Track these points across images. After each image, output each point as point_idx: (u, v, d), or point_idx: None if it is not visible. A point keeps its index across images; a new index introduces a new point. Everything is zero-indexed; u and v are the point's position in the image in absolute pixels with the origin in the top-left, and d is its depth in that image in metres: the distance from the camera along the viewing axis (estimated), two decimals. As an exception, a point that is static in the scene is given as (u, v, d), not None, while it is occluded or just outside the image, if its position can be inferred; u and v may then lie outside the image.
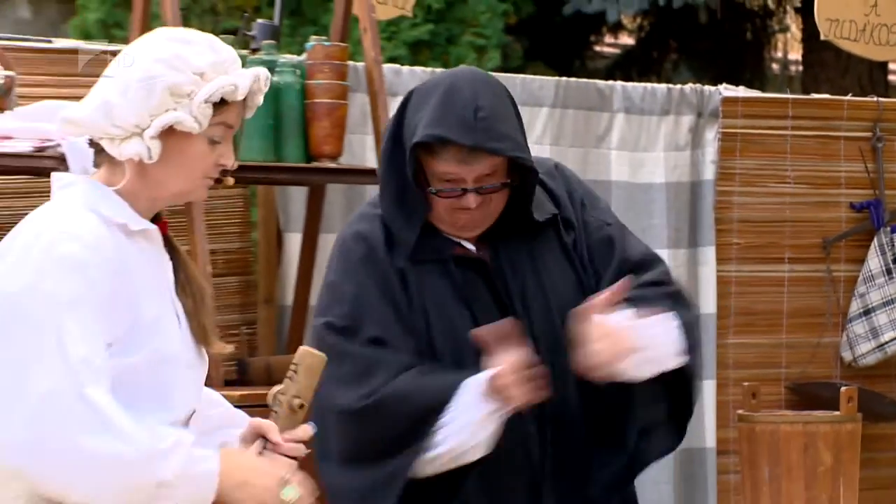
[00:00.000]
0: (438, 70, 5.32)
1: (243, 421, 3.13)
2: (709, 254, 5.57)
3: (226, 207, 5.09)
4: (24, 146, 4.34)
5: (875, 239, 5.65)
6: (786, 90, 9.85)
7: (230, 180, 3.07)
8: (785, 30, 10.69)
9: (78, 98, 4.60)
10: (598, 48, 10.68)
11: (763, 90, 7.04)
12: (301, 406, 3.02)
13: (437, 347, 3.57)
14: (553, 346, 3.66)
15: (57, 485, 2.88)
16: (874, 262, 5.63)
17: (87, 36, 8.46)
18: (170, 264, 3.07)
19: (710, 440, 5.52)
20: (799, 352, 5.66)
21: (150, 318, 2.94)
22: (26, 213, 4.59)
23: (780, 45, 10.82)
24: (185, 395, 3.03)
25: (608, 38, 10.71)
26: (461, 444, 3.55)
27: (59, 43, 5.29)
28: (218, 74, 2.98)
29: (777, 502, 3.46)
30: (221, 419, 3.26)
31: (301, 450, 3.03)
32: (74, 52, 4.96)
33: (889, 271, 5.62)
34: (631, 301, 3.54)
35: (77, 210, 2.98)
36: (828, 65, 9.30)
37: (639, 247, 3.80)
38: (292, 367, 3.00)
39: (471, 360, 3.60)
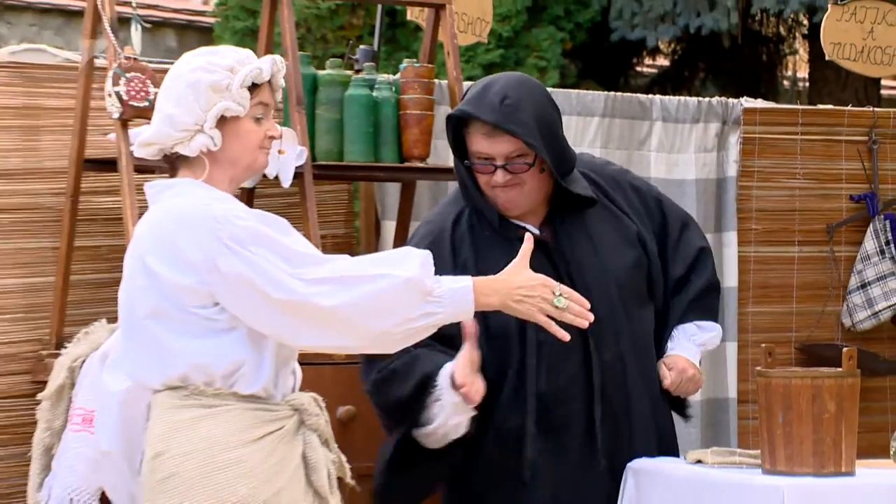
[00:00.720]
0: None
1: None
2: (731, 238, 5.54)
3: (334, 200, 5.09)
4: (170, 150, 4.35)
5: (870, 225, 5.60)
6: (796, 102, 9.82)
7: (283, 151, 3.20)
8: (794, 52, 10.61)
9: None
10: (639, 68, 10.63)
11: (776, 102, 6.97)
12: None
13: (489, 323, 3.52)
14: (610, 312, 3.64)
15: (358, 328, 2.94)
16: (870, 244, 5.58)
17: (221, 60, 8.47)
18: None
19: (733, 391, 5.50)
20: (807, 319, 5.62)
21: None
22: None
23: (790, 65, 10.74)
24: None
25: (647, 60, 10.66)
26: (446, 420, 3.51)
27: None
28: (242, 66, 3.07)
29: (789, 443, 3.42)
30: None
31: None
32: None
33: (882, 252, 5.57)
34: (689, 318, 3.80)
35: (210, 195, 3.04)
36: (830, 81, 9.23)
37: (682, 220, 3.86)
38: None
39: (519, 335, 3.59)
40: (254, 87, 3.07)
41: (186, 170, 3.09)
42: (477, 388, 3.42)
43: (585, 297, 3.21)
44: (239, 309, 2.96)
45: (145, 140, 3.10)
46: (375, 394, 3.61)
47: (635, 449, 3.68)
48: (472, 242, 3.64)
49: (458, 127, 3.61)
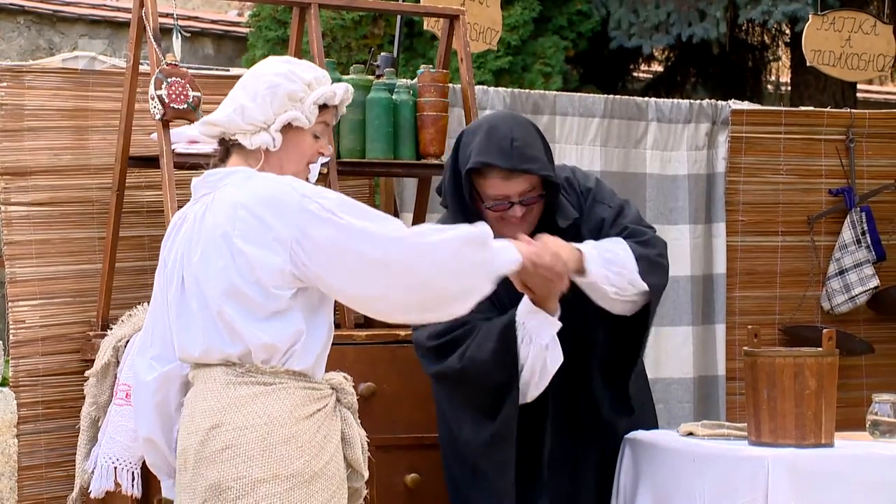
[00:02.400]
0: (516, 90, 5.27)
1: None
2: (720, 228, 5.50)
3: (355, 194, 5.06)
4: (207, 148, 4.32)
5: (847, 217, 5.56)
6: (779, 104, 9.77)
7: (323, 170, 3.20)
8: (778, 59, 10.56)
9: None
10: (635, 74, 10.58)
11: (761, 104, 6.93)
12: None
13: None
14: (583, 321, 3.57)
15: (436, 289, 2.97)
16: (847, 234, 5.54)
17: (254, 66, 8.44)
18: None
19: (721, 369, 5.46)
20: (789, 303, 5.58)
21: None
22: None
23: (774, 70, 10.68)
24: None
25: (643, 66, 10.61)
26: (540, 352, 3.46)
27: (235, 72, 5.29)
28: (319, 85, 3.07)
29: (773, 417, 3.40)
30: None
31: None
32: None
33: (858, 241, 5.53)
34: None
35: (273, 177, 3.03)
36: (810, 85, 9.17)
37: (634, 217, 3.67)
38: None
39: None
40: (323, 107, 3.08)
41: (240, 158, 3.08)
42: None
43: (564, 308, 3.33)
44: (333, 274, 2.94)
45: (212, 120, 3.10)
46: (436, 359, 3.55)
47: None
48: None
49: (458, 175, 3.54)
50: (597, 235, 3.59)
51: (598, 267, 3.45)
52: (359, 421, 3.12)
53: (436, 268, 2.95)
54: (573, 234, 3.59)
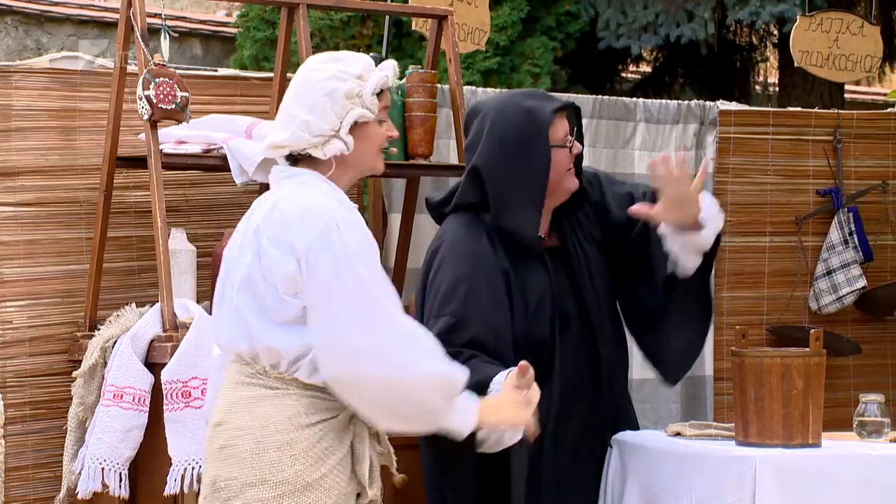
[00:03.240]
0: (505, 90, 5.27)
1: None
2: (708, 228, 5.50)
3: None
4: (195, 149, 4.33)
5: (835, 217, 5.57)
6: (767, 105, 9.79)
7: (393, 150, 3.13)
8: (766, 60, 10.57)
9: (236, 113, 4.60)
10: (624, 74, 10.58)
11: (749, 105, 6.94)
12: None
13: (532, 324, 3.50)
14: (601, 315, 3.62)
15: (375, 397, 2.86)
16: (834, 234, 5.55)
17: (242, 67, 8.47)
18: None
19: (709, 370, 5.47)
20: (777, 303, 5.59)
21: None
22: (197, 200, 4.61)
23: (762, 71, 10.70)
24: None
25: (632, 67, 10.62)
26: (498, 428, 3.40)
27: (223, 72, 5.28)
28: (370, 73, 3.01)
29: (760, 417, 3.40)
30: None
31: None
32: (235, 78, 4.95)
33: (846, 241, 5.54)
34: None
35: (334, 194, 2.97)
36: (798, 86, 9.19)
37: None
38: None
39: (550, 335, 3.52)
40: (380, 93, 3.03)
41: (309, 166, 3.02)
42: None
43: (595, 300, 3.47)
44: (312, 307, 2.88)
45: (278, 143, 3.01)
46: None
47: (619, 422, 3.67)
48: (506, 255, 3.52)
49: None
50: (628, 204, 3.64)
51: (713, 224, 3.60)
52: (384, 438, 3.06)
53: (395, 387, 2.86)
54: (593, 213, 3.65)
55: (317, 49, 8.12)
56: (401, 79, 4.76)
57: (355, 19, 8.44)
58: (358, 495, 3.00)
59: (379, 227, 5.06)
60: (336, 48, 8.09)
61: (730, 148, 5.52)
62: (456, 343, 3.33)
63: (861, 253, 5.50)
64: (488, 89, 5.26)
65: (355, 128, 3.00)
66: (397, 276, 4.92)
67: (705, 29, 8.92)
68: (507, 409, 3.03)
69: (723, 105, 5.58)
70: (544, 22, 8.90)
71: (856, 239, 5.51)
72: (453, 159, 5.00)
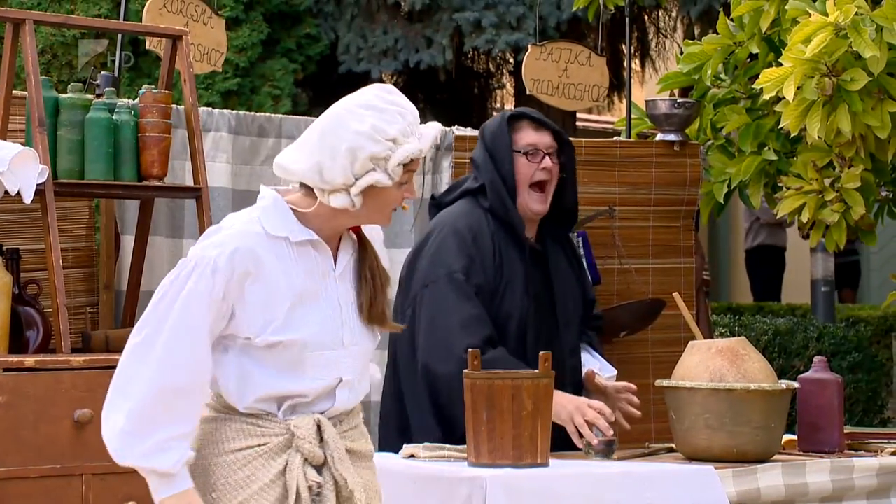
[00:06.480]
0: (241, 112, 5.21)
1: None
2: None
3: (75, 215, 4.93)
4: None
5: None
6: (502, 131, 9.98)
7: (406, 206, 2.89)
8: (502, 87, 10.82)
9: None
10: (365, 98, 10.67)
11: (485, 131, 7.07)
12: None
13: (505, 308, 3.92)
14: (566, 321, 4.07)
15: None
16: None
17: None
18: (334, 266, 2.86)
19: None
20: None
21: (282, 311, 2.76)
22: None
23: (498, 97, 10.94)
24: (322, 371, 2.82)
25: (372, 91, 10.71)
26: None
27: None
28: (406, 138, 2.80)
29: (492, 437, 3.46)
30: None
31: None
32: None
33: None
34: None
35: (244, 223, 2.79)
36: (532, 113, 9.43)
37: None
38: None
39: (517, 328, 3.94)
40: (409, 161, 2.80)
41: (302, 192, 2.83)
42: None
43: (564, 303, 4.04)
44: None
45: (288, 169, 2.82)
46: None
47: None
48: (499, 243, 3.96)
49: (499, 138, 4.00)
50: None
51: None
52: (337, 468, 2.85)
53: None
54: (560, 236, 4.25)
55: (48, 66, 7.90)
56: (134, 99, 4.67)
57: (89, 36, 8.23)
58: None
59: (111, 250, 4.94)
60: (69, 65, 7.87)
61: (465, 173, 5.60)
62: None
63: (590, 276, 5.65)
64: (225, 111, 5.21)
65: (369, 189, 2.81)
66: (130, 299, 4.81)
67: (444, 55, 9.08)
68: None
69: (458, 130, 5.67)
70: (285, 44, 8.88)
71: (585, 262, 5.65)
72: (188, 181, 4.92)
